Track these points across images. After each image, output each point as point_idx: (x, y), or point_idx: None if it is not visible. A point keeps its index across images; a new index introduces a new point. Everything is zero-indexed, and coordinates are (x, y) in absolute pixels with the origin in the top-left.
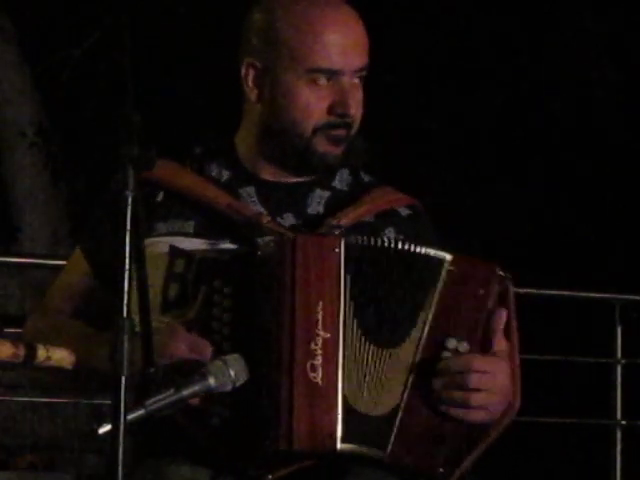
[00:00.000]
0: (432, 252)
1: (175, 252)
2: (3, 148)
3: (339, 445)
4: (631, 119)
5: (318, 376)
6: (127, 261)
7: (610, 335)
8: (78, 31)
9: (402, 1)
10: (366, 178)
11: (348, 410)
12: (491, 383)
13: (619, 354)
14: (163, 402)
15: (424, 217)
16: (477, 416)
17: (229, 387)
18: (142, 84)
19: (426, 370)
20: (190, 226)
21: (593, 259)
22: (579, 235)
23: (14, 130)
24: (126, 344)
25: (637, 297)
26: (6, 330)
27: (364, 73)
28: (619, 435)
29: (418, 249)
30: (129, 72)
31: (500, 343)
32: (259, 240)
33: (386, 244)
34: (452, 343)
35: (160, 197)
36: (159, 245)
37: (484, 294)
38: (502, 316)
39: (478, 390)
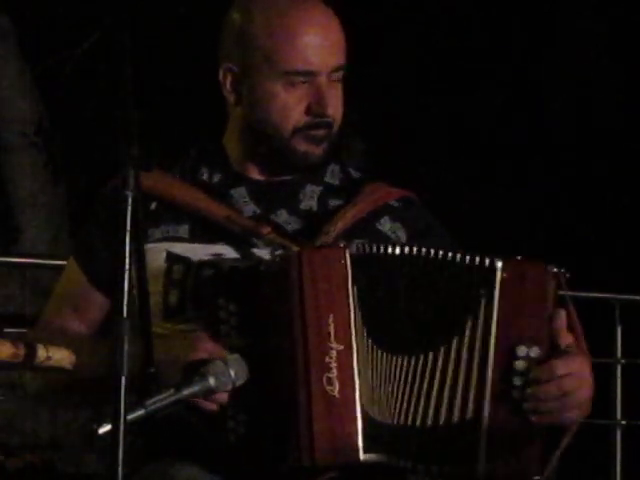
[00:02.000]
0: (481, 260)
1: (172, 258)
2: (3, 148)
3: (362, 456)
4: (631, 119)
5: (335, 389)
6: (127, 261)
7: (610, 335)
8: (78, 31)
9: (401, 1)
10: (356, 174)
11: (368, 420)
12: (579, 382)
13: (619, 354)
14: (163, 402)
15: (418, 205)
16: (571, 417)
17: (229, 387)
18: (142, 84)
19: (501, 380)
20: (185, 230)
21: (593, 259)
22: (579, 235)
23: (14, 130)
24: (126, 344)
25: (637, 297)
26: (6, 330)
27: (342, 72)
28: (619, 435)
29: (465, 258)
30: (129, 72)
31: (567, 338)
32: (256, 251)
33: (391, 250)
34: (523, 350)
35: (153, 206)
36: (155, 251)
37: (542, 295)
38: (562, 314)
39: (570, 393)
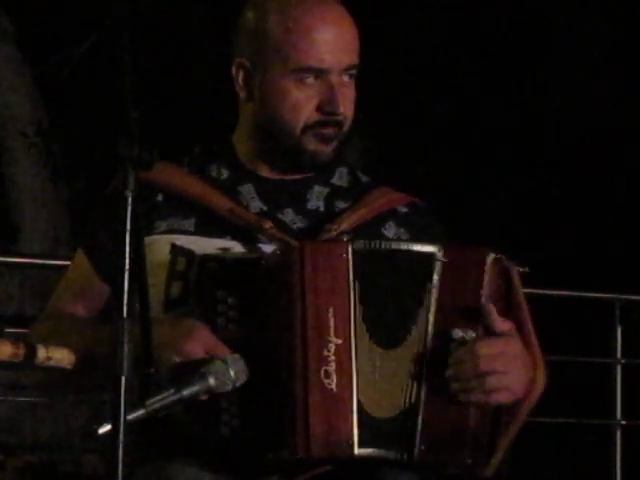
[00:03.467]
0: (422, 247)
1: (176, 250)
2: (3, 148)
3: (356, 450)
4: (632, 119)
5: (332, 382)
6: (127, 261)
7: (610, 335)
8: (78, 31)
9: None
10: (364, 178)
11: (364, 415)
12: (504, 363)
13: (619, 354)
14: (163, 402)
15: (424, 211)
16: (498, 398)
17: (229, 387)
18: (142, 84)
19: (438, 364)
20: (191, 224)
21: (593, 259)
22: (579, 235)
23: (14, 130)
24: (126, 344)
25: (637, 297)
26: (6, 330)
27: (354, 71)
28: (619, 435)
29: (409, 246)
30: (129, 72)
31: (504, 324)
32: (262, 246)
33: (389, 246)
34: (458, 334)
35: (160, 198)
36: (160, 243)
37: (479, 280)
38: (491, 307)
39: (492, 373)
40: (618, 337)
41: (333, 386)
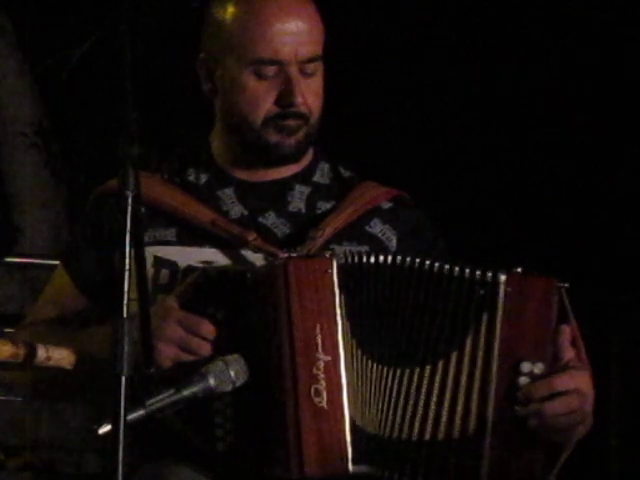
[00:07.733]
0: (483, 273)
1: (159, 263)
2: (3, 148)
3: (351, 467)
4: (630, 119)
5: (323, 400)
6: (127, 261)
7: (610, 333)
8: (78, 31)
9: None
10: (346, 174)
11: (357, 431)
12: (582, 398)
13: (619, 353)
14: (163, 402)
15: (409, 206)
16: (576, 433)
17: (229, 387)
18: (142, 84)
19: (505, 396)
20: (172, 233)
21: (593, 259)
22: (578, 235)
23: (14, 130)
24: (126, 345)
25: (637, 297)
26: (6, 330)
27: (318, 64)
28: (619, 435)
29: (466, 271)
30: (129, 72)
31: (569, 353)
32: (245, 254)
33: (375, 259)
34: (527, 367)
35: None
36: None
37: (547, 310)
38: (566, 330)
39: (575, 410)
40: (618, 335)
41: (324, 404)
